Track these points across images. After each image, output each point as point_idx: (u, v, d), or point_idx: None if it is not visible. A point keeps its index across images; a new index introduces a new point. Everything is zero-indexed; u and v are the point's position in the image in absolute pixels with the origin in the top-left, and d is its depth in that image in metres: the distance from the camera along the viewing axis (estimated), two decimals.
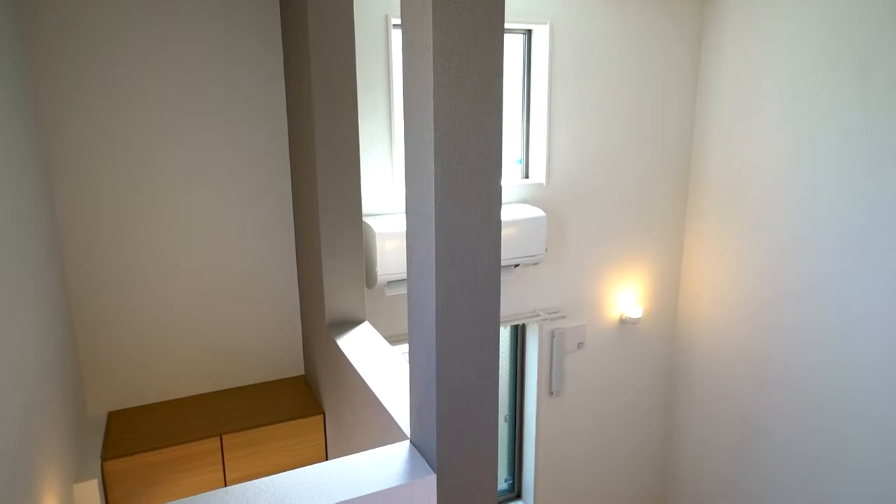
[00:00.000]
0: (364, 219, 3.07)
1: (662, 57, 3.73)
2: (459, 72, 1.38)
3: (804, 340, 3.39)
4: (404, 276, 2.99)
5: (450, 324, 1.51)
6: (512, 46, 3.48)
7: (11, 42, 2.09)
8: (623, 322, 4.03)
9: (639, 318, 3.97)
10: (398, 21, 3.04)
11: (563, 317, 3.77)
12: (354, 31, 2.41)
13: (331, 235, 2.55)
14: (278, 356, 3.05)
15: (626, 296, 4.00)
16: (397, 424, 1.86)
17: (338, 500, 1.47)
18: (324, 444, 2.77)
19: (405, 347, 3.38)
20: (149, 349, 2.78)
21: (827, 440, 3.33)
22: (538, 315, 3.70)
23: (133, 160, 2.61)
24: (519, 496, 4.16)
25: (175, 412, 2.74)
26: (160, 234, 2.71)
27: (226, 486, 2.61)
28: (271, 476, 1.56)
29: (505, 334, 3.93)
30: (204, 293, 2.84)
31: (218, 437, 2.55)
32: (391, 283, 3.07)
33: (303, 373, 3.12)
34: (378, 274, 2.94)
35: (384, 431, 2.00)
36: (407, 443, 1.73)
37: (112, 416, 2.70)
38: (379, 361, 2.28)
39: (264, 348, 3.01)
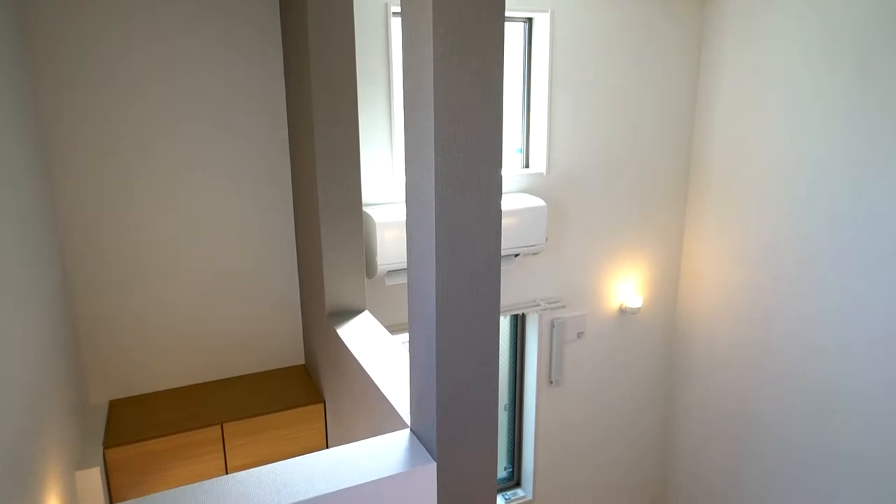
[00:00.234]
0: (364, 208, 3.07)
1: (664, 46, 3.71)
2: (460, 60, 1.37)
3: (803, 330, 3.40)
4: (404, 265, 2.99)
5: (450, 313, 1.51)
6: (513, 35, 3.46)
7: (11, 38, 2.08)
8: (623, 312, 4.04)
9: (638, 308, 3.98)
10: (398, 9, 3.02)
11: (563, 306, 3.78)
12: (354, 20, 2.39)
13: (331, 225, 2.54)
14: (279, 345, 3.06)
15: (625, 286, 4.00)
16: (397, 413, 1.87)
17: (338, 488, 1.48)
18: (324, 433, 2.78)
19: (405, 337, 3.39)
20: (150, 338, 2.78)
21: (826, 428, 3.35)
22: (538, 305, 3.71)
23: (133, 151, 2.60)
24: (518, 484, 4.19)
25: (176, 401, 2.75)
26: (160, 225, 2.71)
27: (227, 473, 2.63)
28: (272, 464, 1.56)
29: (505, 324, 3.94)
30: (205, 283, 2.84)
31: (219, 426, 2.56)
32: (391, 272, 3.07)
33: (303, 362, 3.13)
34: (378, 263, 2.95)
35: (384, 420, 2.01)
36: (407, 431, 1.74)
37: (113, 405, 2.71)
38: (379, 350, 2.29)
39: (265, 337, 3.02)
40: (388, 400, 1.95)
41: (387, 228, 2.92)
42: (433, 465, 1.59)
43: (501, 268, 3.44)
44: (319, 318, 2.73)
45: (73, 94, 2.46)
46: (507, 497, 4.08)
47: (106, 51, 2.48)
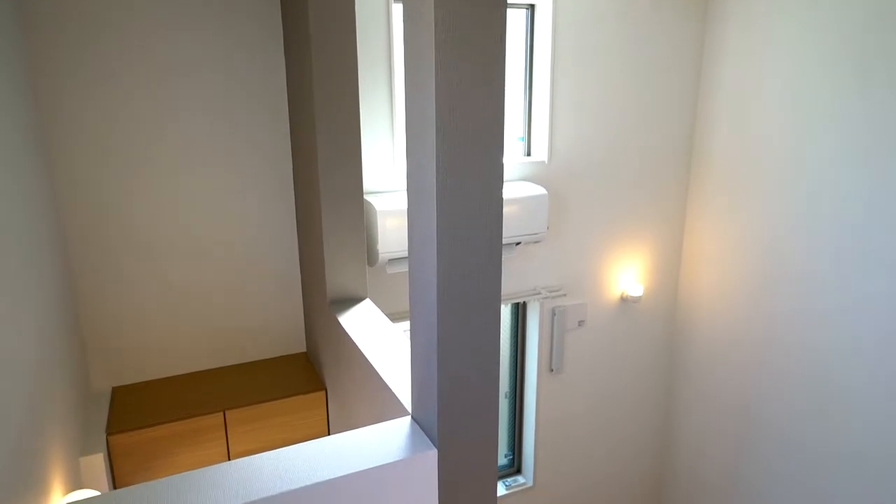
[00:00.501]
0: (365, 196, 3.06)
1: (666, 34, 3.68)
2: (461, 47, 1.36)
3: (804, 322, 3.40)
4: (405, 253, 2.99)
5: (451, 301, 1.51)
6: (514, 22, 3.43)
7: (11, 30, 2.07)
8: (624, 300, 4.04)
9: (639, 297, 3.98)
10: None
11: (564, 295, 3.78)
12: (355, 7, 2.38)
13: (332, 213, 2.54)
14: (280, 333, 3.07)
15: (627, 274, 4.00)
16: (398, 400, 1.88)
17: (340, 474, 1.49)
18: (326, 420, 2.80)
19: (406, 324, 3.40)
20: (152, 325, 2.79)
21: (826, 423, 3.36)
22: (539, 293, 3.71)
23: (135, 141, 2.60)
24: (519, 471, 4.21)
25: (179, 388, 2.76)
26: (162, 213, 2.71)
27: (229, 460, 2.65)
28: (274, 450, 1.57)
29: (506, 312, 3.94)
30: (207, 270, 2.84)
31: (221, 413, 2.57)
32: (392, 260, 3.07)
33: (305, 349, 3.14)
34: (379, 251, 2.95)
35: (385, 407, 2.02)
36: (408, 418, 1.75)
37: (116, 392, 2.73)
38: (380, 338, 2.30)
39: (267, 325, 3.03)
40: (389, 387, 1.96)
41: (388, 216, 2.92)
42: (434, 452, 1.60)
43: (503, 256, 3.44)
44: (321, 306, 2.74)
45: (73, 84, 2.45)
46: (507, 483, 4.11)
47: (106, 42, 2.46)
